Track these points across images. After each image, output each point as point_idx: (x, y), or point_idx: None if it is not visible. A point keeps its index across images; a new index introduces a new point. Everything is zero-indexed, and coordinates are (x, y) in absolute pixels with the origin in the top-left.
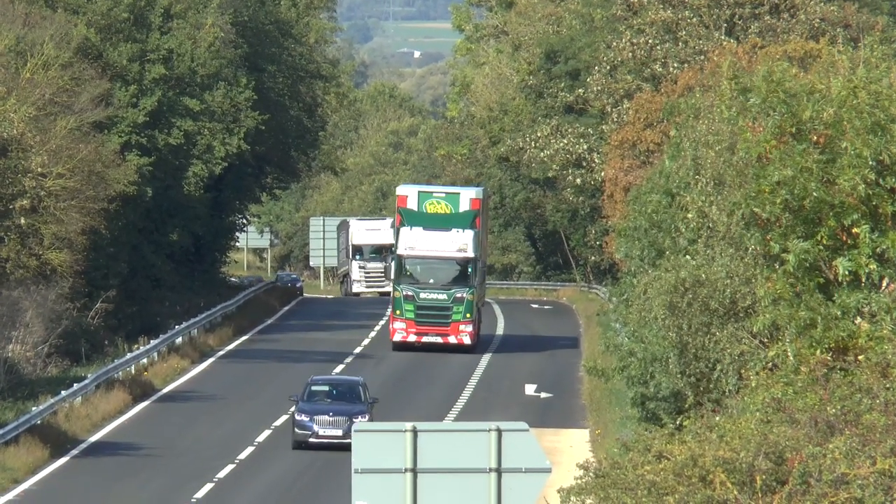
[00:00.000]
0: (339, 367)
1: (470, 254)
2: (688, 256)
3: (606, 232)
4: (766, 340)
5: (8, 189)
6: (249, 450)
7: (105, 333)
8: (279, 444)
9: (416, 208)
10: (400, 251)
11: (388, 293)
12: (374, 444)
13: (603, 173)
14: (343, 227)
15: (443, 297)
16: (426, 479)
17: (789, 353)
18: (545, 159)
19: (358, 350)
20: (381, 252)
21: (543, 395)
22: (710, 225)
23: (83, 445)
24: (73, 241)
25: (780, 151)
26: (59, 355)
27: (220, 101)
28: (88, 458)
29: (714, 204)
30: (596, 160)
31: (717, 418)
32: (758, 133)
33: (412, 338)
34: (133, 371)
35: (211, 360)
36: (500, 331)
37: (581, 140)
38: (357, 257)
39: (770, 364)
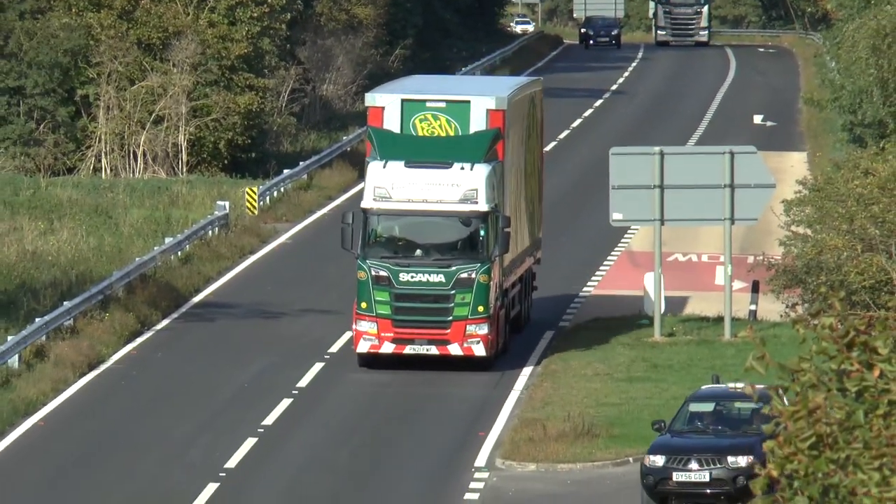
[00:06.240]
0: (598, 102)
1: (482, 206)
2: (888, 6)
3: None
4: None
5: None
6: None
7: (404, 74)
8: None
9: (397, 128)
10: (366, 203)
11: (702, 43)
12: (628, 165)
13: None
14: None
15: (438, 278)
16: (671, 193)
17: None
18: None
19: (614, 87)
20: None
21: (769, 123)
22: None
23: None
24: None
25: None
26: (365, 93)
27: None
28: None
29: None
30: None
31: None
32: None
33: (388, 347)
34: None
35: None
36: (732, 70)
37: None
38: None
39: None
